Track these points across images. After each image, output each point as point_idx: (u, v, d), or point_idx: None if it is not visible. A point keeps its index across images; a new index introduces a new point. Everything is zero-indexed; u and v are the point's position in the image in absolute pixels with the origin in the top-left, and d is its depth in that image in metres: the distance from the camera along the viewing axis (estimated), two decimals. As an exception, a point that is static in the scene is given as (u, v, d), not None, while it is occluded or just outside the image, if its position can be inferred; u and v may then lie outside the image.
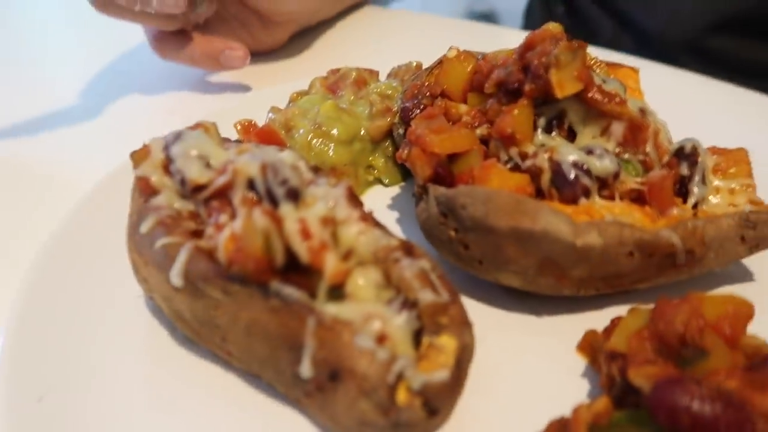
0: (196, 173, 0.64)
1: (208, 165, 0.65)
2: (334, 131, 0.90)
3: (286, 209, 0.58)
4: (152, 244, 0.62)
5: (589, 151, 0.70)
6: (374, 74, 1.04)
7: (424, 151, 0.74)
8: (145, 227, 0.63)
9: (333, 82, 1.01)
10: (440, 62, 0.90)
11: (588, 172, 0.69)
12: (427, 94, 0.86)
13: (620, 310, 0.73)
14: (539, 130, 0.74)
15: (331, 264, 0.56)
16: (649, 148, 0.72)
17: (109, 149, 0.96)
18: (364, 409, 0.52)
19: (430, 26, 1.61)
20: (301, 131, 0.90)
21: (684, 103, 1.08)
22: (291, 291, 0.55)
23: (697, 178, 0.72)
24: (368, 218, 0.63)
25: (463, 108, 0.81)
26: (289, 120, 0.92)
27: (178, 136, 0.67)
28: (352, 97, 0.98)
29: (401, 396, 0.52)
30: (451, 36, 1.07)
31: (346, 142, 0.91)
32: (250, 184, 0.61)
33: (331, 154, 0.90)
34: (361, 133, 0.93)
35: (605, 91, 0.73)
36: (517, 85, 0.74)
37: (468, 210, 0.66)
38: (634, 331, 0.58)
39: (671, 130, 0.81)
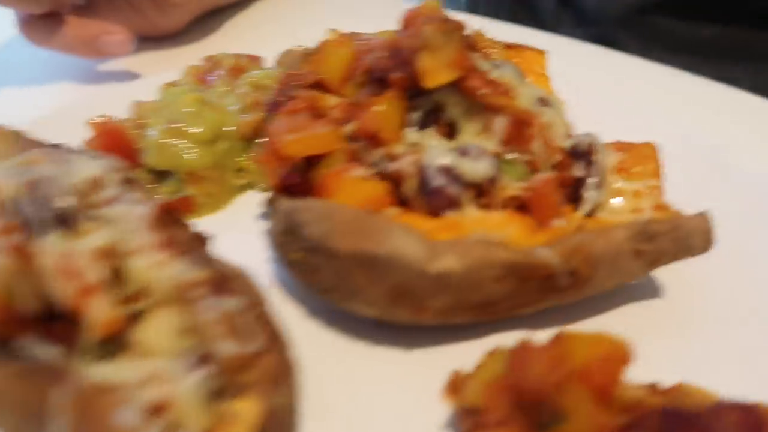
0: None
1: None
2: (194, 129, 0.77)
3: (50, 240, 0.46)
4: None
5: (464, 152, 0.59)
6: (256, 61, 0.91)
7: (276, 154, 0.62)
8: None
9: (206, 71, 0.88)
10: (319, 47, 0.77)
11: (458, 179, 0.57)
12: (300, 84, 0.73)
13: (509, 337, 0.62)
14: (412, 128, 0.62)
15: (98, 311, 0.44)
16: (536, 147, 0.61)
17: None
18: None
19: (356, 6, 1.47)
20: (155, 130, 0.77)
21: (611, 86, 0.96)
22: (43, 349, 0.43)
23: (591, 180, 0.61)
24: (177, 245, 0.51)
25: (332, 101, 0.69)
26: (141, 116, 0.79)
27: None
28: (227, 89, 0.85)
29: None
30: (377, 18, 0.94)
31: (208, 142, 0.78)
32: (15, 207, 0.48)
33: (186, 156, 0.77)
34: (229, 129, 0.80)
35: (487, 80, 0.61)
36: (385, 73, 0.62)
37: (307, 229, 0.54)
38: (490, 379, 0.47)
39: (587, 120, 0.70)
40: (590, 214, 0.61)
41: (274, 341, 0.49)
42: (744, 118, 0.97)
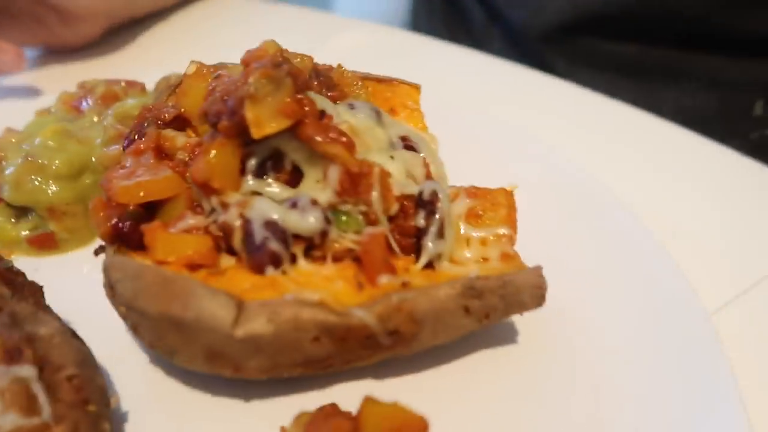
0: None
1: None
2: (55, 163, 0.75)
3: None
4: None
5: (293, 204, 0.57)
6: (135, 87, 0.88)
7: (108, 200, 0.60)
8: None
9: (79, 98, 0.86)
10: (182, 79, 0.75)
11: (283, 233, 0.56)
12: (157, 119, 0.72)
13: (350, 388, 0.62)
14: (249, 175, 0.61)
15: None
16: (373, 197, 0.59)
17: None
18: None
19: (281, 18, 1.44)
20: (12, 165, 0.75)
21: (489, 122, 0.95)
22: None
23: (432, 230, 0.60)
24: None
25: (180, 141, 0.67)
26: (1, 149, 0.76)
27: None
28: (97, 118, 0.82)
29: None
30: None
31: (70, 176, 0.76)
32: None
33: (49, 192, 0.74)
34: (97, 162, 0.78)
35: (323, 127, 0.60)
36: (217, 118, 0.60)
37: (120, 287, 0.53)
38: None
39: (458, 157, 0.70)
40: (431, 265, 0.60)
41: (71, 410, 0.47)
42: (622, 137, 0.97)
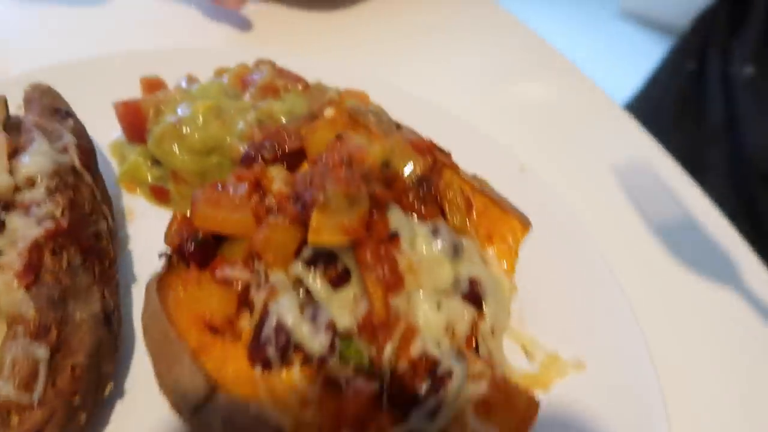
0: None
1: None
2: (194, 137, 0.84)
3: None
4: None
5: (314, 316, 0.59)
6: (298, 83, 0.92)
7: (186, 218, 0.67)
8: None
9: (249, 75, 0.92)
10: (314, 117, 0.78)
11: (286, 345, 0.58)
12: (279, 145, 0.76)
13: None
14: (300, 261, 0.63)
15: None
16: (386, 351, 0.59)
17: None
18: None
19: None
20: (163, 123, 0.85)
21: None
22: None
23: (426, 406, 0.58)
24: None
25: (276, 186, 0.70)
26: (160, 103, 0.86)
27: None
28: (250, 104, 0.89)
29: None
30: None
31: (201, 153, 0.84)
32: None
33: (179, 159, 0.84)
34: (225, 146, 0.85)
35: (376, 253, 0.59)
36: (297, 202, 0.62)
37: (143, 308, 0.60)
38: None
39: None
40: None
41: (57, 398, 0.57)
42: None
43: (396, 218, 0.63)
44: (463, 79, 1.28)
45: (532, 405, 0.61)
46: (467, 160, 0.80)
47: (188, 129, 0.84)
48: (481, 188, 0.75)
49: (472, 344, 0.67)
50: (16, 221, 0.62)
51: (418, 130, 0.80)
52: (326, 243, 0.58)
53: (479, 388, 0.61)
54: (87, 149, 0.76)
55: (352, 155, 0.64)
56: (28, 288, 0.59)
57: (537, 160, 0.99)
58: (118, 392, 0.69)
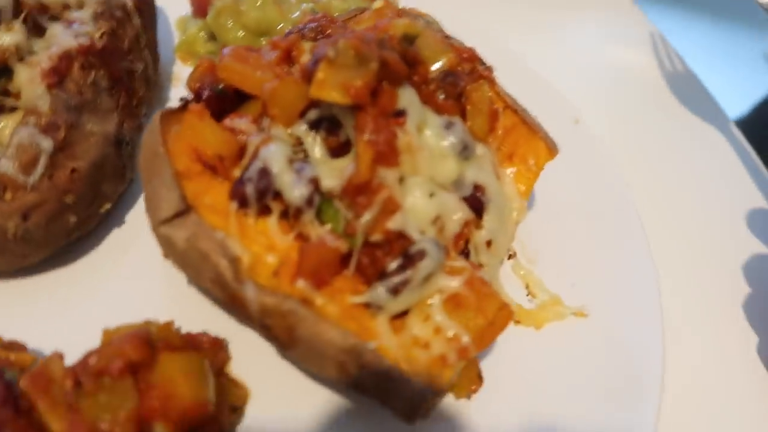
0: None
1: None
2: (250, 16, 0.85)
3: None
4: None
5: (299, 170, 0.58)
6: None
7: (213, 66, 0.68)
8: None
9: (315, -32, 0.93)
10: (364, 11, 0.77)
11: (265, 188, 0.57)
12: (319, 29, 0.76)
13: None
14: (303, 122, 0.62)
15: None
16: (364, 217, 0.57)
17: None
18: None
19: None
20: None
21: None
22: None
23: (391, 282, 0.56)
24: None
25: (303, 58, 0.70)
26: (228, -20, 0.89)
27: None
28: (309, -2, 0.90)
29: None
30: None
31: (254, 32, 0.86)
32: None
33: (233, 34, 0.86)
34: (279, 30, 0.86)
35: (375, 121, 0.58)
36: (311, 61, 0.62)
37: (145, 130, 0.62)
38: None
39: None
40: (368, 307, 0.57)
41: (50, 191, 0.60)
42: None
43: (407, 97, 0.61)
44: (551, 42, 1.22)
45: (505, 314, 0.57)
46: (518, 94, 0.76)
47: (246, 7, 0.86)
48: (513, 106, 0.71)
49: (460, 248, 0.63)
50: (56, 29, 0.66)
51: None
52: (327, 98, 0.57)
53: (452, 283, 0.58)
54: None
55: (377, 27, 0.62)
56: (49, 88, 0.62)
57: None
58: (117, 220, 0.71)
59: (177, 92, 0.88)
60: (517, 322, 0.72)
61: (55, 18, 0.67)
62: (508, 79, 0.79)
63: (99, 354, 0.49)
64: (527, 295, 0.75)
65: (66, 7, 0.69)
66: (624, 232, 0.78)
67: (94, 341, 0.53)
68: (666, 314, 0.74)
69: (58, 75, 0.63)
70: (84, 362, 0.50)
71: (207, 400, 0.50)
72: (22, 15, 0.63)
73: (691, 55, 1.28)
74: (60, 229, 0.62)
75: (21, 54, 0.63)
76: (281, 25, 0.86)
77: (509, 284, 0.74)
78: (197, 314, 0.67)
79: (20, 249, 0.60)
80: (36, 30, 0.65)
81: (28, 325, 0.61)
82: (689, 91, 1.13)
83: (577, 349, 0.70)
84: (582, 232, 0.79)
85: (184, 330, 0.60)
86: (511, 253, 0.78)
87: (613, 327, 0.70)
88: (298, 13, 0.86)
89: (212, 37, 0.90)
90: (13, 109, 0.64)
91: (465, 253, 0.64)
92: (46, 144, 0.60)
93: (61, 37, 0.65)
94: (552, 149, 0.70)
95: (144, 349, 0.49)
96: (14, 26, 0.63)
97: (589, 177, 0.83)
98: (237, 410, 0.59)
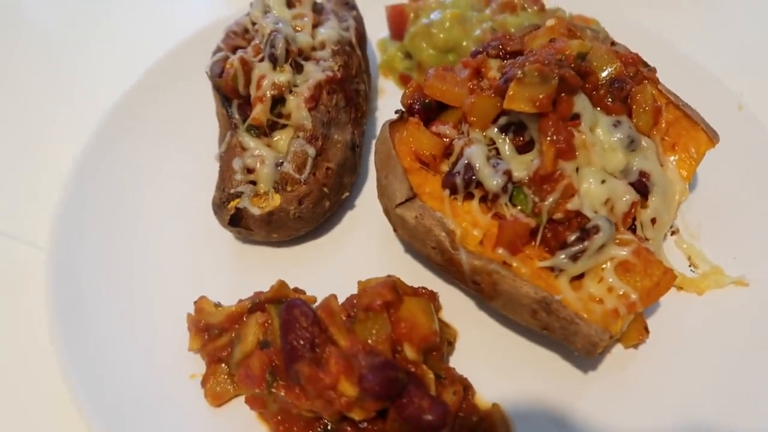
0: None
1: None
2: (439, 37, 1.05)
3: (263, 66, 0.87)
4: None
5: (495, 165, 0.76)
6: (536, 4, 1.06)
7: (420, 86, 0.88)
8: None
9: (502, -5, 1.09)
10: (538, 27, 0.92)
11: (470, 179, 0.76)
12: (501, 46, 0.92)
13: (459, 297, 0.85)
14: (495, 126, 0.80)
15: (258, 112, 0.86)
16: (548, 200, 0.73)
17: None
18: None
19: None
20: (417, 25, 1.07)
21: None
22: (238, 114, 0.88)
23: (570, 251, 0.72)
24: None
25: (493, 73, 0.87)
26: (419, 9, 1.09)
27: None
28: (490, 15, 1.06)
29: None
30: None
31: (442, 50, 1.05)
32: (264, 40, 0.90)
33: (425, 53, 1.06)
34: (465, 48, 1.04)
35: (558, 127, 0.73)
36: (502, 78, 0.79)
37: (377, 138, 0.84)
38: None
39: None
40: (552, 270, 0.73)
41: (314, 184, 0.84)
42: None
43: (581, 103, 0.75)
44: (708, 26, 1.27)
45: (669, 277, 0.70)
46: (681, 88, 0.87)
47: (436, 30, 1.05)
48: (675, 102, 0.82)
49: (628, 224, 0.77)
50: (309, 67, 0.90)
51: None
52: (517, 108, 0.74)
53: (622, 252, 0.72)
54: (361, 33, 1.02)
55: (555, 48, 0.78)
56: (309, 110, 0.87)
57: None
58: (350, 204, 0.95)
59: (383, 102, 1.10)
60: (680, 288, 0.83)
61: (307, 58, 0.92)
62: (669, 74, 0.89)
63: (362, 295, 0.72)
64: (689, 267, 0.86)
65: (314, 48, 0.93)
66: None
67: (341, 288, 0.76)
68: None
69: (314, 100, 0.87)
70: (350, 301, 0.73)
71: (436, 330, 0.70)
72: (290, 59, 0.88)
73: None
74: (320, 210, 0.87)
75: (290, 87, 0.87)
76: (465, 42, 1.04)
77: (673, 257, 0.85)
78: (412, 274, 0.87)
79: (296, 225, 0.86)
80: (296, 67, 0.90)
81: (299, 276, 0.86)
82: None
83: (736, 314, 0.79)
84: (743, 210, 0.87)
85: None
86: (674, 229, 0.89)
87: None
88: (479, 31, 1.03)
89: (408, 55, 1.11)
90: (283, 126, 0.89)
91: (632, 229, 0.78)
92: (311, 151, 0.85)
93: (313, 73, 0.89)
94: (712, 138, 0.80)
95: (394, 293, 0.71)
96: (285, 68, 0.88)
97: (750, 160, 0.91)
98: (451, 344, 0.79)
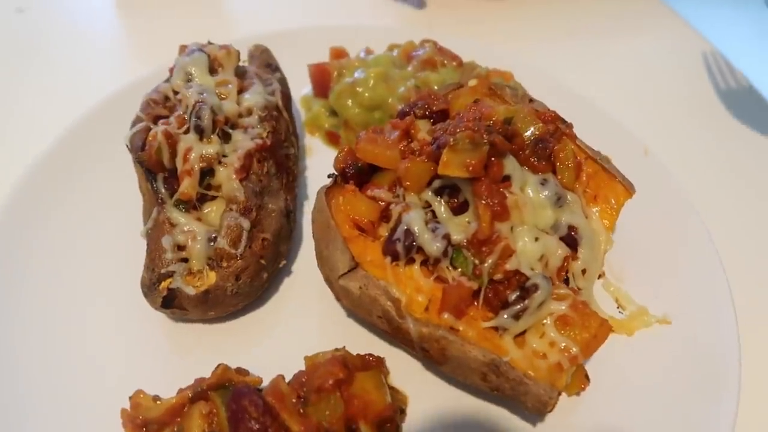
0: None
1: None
2: (365, 96, 1.06)
3: (189, 138, 0.84)
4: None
5: (434, 229, 0.77)
6: (454, 60, 1.10)
7: (352, 149, 0.89)
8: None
9: (415, 50, 1.12)
10: (460, 86, 0.96)
11: (411, 245, 0.76)
12: (427, 105, 0.95)
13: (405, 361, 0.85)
14: (430, 190, 0.81)
15: (186, 186, 0.82)
16: (487, 263, 0.75)
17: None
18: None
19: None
20: (342, 83, 1.08)
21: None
22: (163, 188, 0.84)
23: (512, 310, 0.74)
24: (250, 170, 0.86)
25: (422, 134, 0.89)
26: (342, 67, 1.10)
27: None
28: (411, 73, 1.09)
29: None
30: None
31: (369, 108, 1.06)
32: (188, 110, 0.87)
33: (352, 111, 1.07)
34: (390, 105, 1.06)
35: (490, 188, 0.76)
36: (435, 143, 0.81)
37: (314, 207, 0.83)
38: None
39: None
40: (496, 330, 0.75)
41: (251, 257, 0.82)
42: None
43: (510, 165, 0.79)
44: (612, 72, 1.37)
45: (605, 328, 0.74)
46: (593, 138, 0.93)
47: (360, 89, 1.06)
48: (593, 156, 0.88)
49: (562, 278, 0.80)
50: (237, 136, 0.88)
51: (550, 106, 0.94)
52: (451, 174, 0.76)
53: (560, 307, 0.75)
54: (287, 95, 1.01)
55: (482, 113, 0.81)
56: (241, 181, 0.85)
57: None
58: (287, 271, 0.93)
59: (311, 161, 1.09)
60: (612, 330, 0.87)
61: (234, 126, 0.90)
62: (583, 125, 0.95)
63: (312, 375, 0.70)
64: (617, 308, 0.91)
65: (240, 115, 0.91)
66: (697, 249, 0.92)
67: (286, 362, 0.74)
68: (740, 319, 0.88)
69: (245, 171, 0.85)
70: (298, 380, 0.71)
71: (390, 404, 0.70)
72: (217, 129, 0.86)
73: (750, 69, 1.39)
74: (259, 283, 0.84)
75: (219, 158, 0.85)
76: (390, 99, 1.06)
77: (602, 300, 0.90)
78: (356, 337, 0.86)
79: (233, 301, 0.83)
80: (224, 137, 0.88)
81: (240, 353, 0.83)
82: (748, 104, 1.25)
83: (663, 351, 0.85)
84: (661, 251, 0.94)
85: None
86: (600, 272, 0.94)
87: (694, 331, 0.85)
88: (403, 88, 1.06)
89: (333, 112, 1.12)
90: (213, 198, 0.86)
91: (566, 281, 0.81)
92: (246, 224, 0.82)
93: (242, 141, 0.87)
94: (629, 189, 0.86)
95: (344, 370, 0.69)
96: (213, 139, 0.85)
97: (662, 205, 0.98)
98: (403, 411, 0.78)
